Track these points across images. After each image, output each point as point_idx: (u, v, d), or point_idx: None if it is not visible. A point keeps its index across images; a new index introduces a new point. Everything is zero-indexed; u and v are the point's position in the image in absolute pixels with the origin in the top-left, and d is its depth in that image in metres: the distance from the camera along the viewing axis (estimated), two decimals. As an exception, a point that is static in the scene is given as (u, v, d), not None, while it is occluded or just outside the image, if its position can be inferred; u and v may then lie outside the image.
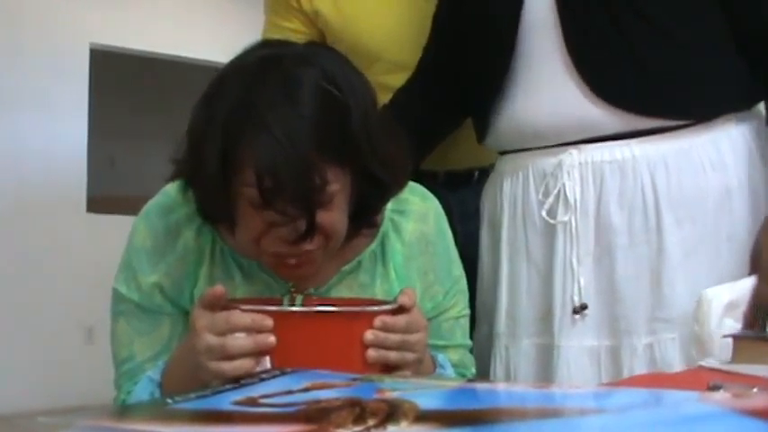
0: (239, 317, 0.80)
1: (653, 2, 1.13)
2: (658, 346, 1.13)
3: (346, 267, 1.00)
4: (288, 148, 0.80)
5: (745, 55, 1.16)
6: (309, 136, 0.82)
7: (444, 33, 1.35)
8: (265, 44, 0.92)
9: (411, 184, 1.06)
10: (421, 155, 1.39)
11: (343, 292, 1.00)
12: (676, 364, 1.11)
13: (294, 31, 1.51)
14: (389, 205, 1.02)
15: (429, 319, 1.02)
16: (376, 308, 0.83)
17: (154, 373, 0.95)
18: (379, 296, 1.00)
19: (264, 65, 0.85)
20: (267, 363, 0.80)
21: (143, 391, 0.94)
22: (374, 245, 1.01)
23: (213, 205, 0.91)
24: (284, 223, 0.85)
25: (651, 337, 1.13)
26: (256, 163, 0.81)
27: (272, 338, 0.79)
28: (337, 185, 0.86)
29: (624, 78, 1.14)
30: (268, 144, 0.80)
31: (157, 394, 0.92)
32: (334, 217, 0.88)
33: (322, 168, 0.83)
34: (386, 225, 1.02)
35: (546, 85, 1.18)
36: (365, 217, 0.96)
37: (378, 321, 0.81)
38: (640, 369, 1.12)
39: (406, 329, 0.83)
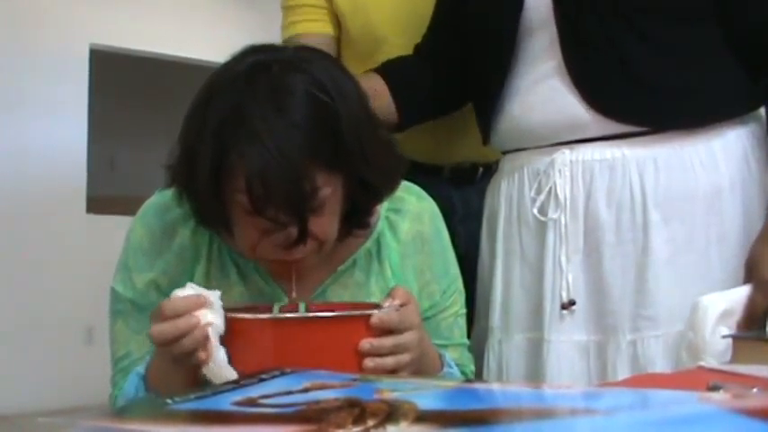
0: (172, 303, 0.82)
1: (648, 16, 1.13)
2: (641, 343, 1.13)
3: (341, 267, 1.00)
4: (277, 156, 0.80)
5: (743, 62, 1.16)
6: (299, 143, 0.82)
7: (446, 27, 1.35)
8: (255, 50, 0.91)
9: (407, 183, 1.06)
10: (413, 115, 1.37)
11: (338, 291, 1.00)
12: (659, 363, 1.11)
13: (313, 6, 1.50)
14: (385, 204, 1.02)
15: (427, 318, 1.03)
16: (369, 311, 0.83)
17: (141, 367, 0.95)
18: (375, 294, 1.00)
19: (254, 72, 0.86)
20: (221, 354, 0.80)
21: (130, 385, 0.95)
22: (369, 243, 1.01)
23: (207, 213, 0.92)
24: (277, 230, 0.85)
25: (635, 334, 1.14)
26: (247, 171, 0.81)
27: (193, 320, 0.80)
28: (328, 191, 0.86)
29: (618, 90, 1.14)
30: (258, 153, 0.80)
31: (141, 388, 0.93)
32: (326, 222, 0.89)
33: (312, 175, 0.83)
34: (381, 224, 1.02)
35: (541, 86, 1.19)
36: (357, 219, 0.96)
37: (375, 319, 0.81)
38: (623, 365, 1.13)
39: (398, 327, 0.83)
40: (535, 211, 1.20)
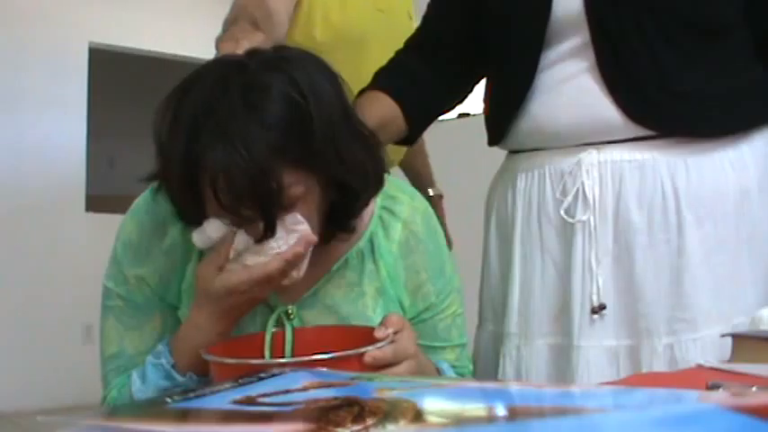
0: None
1: (680, 26, 1.13)
2: (679, 346, 1.12)
3: (333, 267, 0.99)
4: (242, 153, 0.81)
5: None
6: (266, 141, 0.82)
7: (451, 23, 1.33)
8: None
9: (401, 182, 1.06)
10: (423, 127, 1.36)
11: (331, 291, 1.00)
12: None
13: None
14: (379, 203, 1.02)
15: (424, 321, 1.02)
16: (362, 349, 0.81)
17: (155, 359, 0.94)
18: (369, 294, 1.00)
19: (229, 70, 0.87)
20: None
21: (154, 375, 0.94)
22: (362, 243, 1.01)
23: (185, 209, 0.92)
24: (246, 225, 0.86)
25: (671, 337, 1.13)
26: (212, 167, 0.82)
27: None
28: (300, 189, 0.86)
29: (652, 98, 1.13)
30: (224, 149, 0.81)
31: (176, 374, 0.92)
32: None
33: (278, 172, 0.83)
34: (375, 223, 1.02)
35: (568, 86, 1.18)
36: (341, 221, 0.96)
37: (368, 358, 0.80)
38: (660, 369, 1.11)
39: (393, 361, 0.83)
40: (562, 212, 1.18)
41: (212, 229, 0.88)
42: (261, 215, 0.85)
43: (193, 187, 0.86)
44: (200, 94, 0.85)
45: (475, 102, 1.43)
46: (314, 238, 0.88)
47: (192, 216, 0.93)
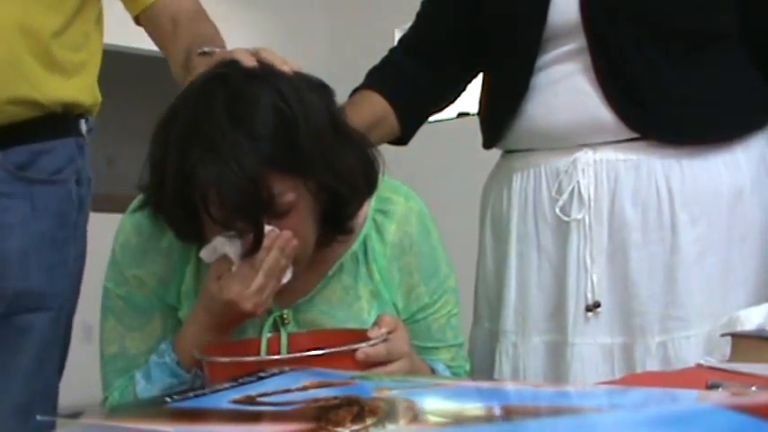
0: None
1: (677, 36, 1.13)
2: (672, 344, 1.13)
3: (329, 272, 1.00)
4: (232, 166, 0.81)
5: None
6: (255, 152, 0.82)
7: (446, 23, 1.33)
8: (220, 64, 0.92)
9: (395, 183, 1.05)
10: (415, 127, 1.36)
11: (326, 296, 1.00)
12: (690, 363, 1.10)
13: None
14: (372, 205, 1.02)
15: (417, 321, 1.02)
16: (355, 346, 0.81)
17: (159, 357, 0.95)
18: (364, 298, 1.00)
19: (213, 84, 0.87)
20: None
21: (160, 373, 0.94)
22: (356, 246, 1.01)
23: (180, 228, 0.92)
24: (239, 236, 0.87)
25: (665, 335, 1.13)
26: (202, 182, 0.82)
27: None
28: (291, 196, 0.87)
29: (648, 106, 1.14)
30: (214, 164, 0.82)
31: (182, 370, 0.92)
32: (296, 226, 0.89)
33: (269, 183, 0.84)
34: (368, 226, 1.01)
35: (566, 88, 1.18)
36: (337, 224, 0.96)
37: (360, 354, 0.81)
38: (653, 367, 1.11)
39: (386, 359, 0.83)
40: (557, 210, 1.19)
41: (220, 244, 0.88)
42: (250, 226, 0.85)
43: (186, 205, 0.86)
44: (187, 111, 0.86)
45: (474, 101, 1.43)
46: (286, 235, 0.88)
47: (187, 234, 0.93)
